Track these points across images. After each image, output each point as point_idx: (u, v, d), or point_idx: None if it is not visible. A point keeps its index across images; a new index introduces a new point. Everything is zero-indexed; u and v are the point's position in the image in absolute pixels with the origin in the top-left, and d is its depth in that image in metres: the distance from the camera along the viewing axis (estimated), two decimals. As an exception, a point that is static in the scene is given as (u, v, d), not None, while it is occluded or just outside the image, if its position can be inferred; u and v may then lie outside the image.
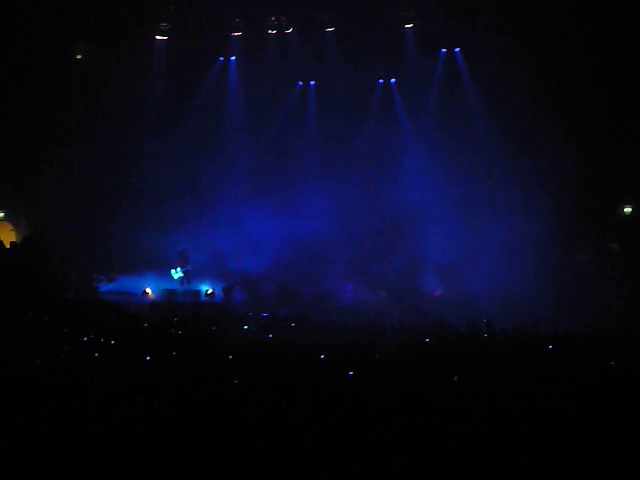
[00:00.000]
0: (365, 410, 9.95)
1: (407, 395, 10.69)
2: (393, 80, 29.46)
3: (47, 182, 27.44)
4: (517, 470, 8.45)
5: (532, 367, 12.96)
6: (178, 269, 27.94)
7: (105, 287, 27.11)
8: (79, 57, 28.39)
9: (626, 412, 9.74)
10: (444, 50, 28.73)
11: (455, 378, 11.68)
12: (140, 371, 12.77)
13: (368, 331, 19.36)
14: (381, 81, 29.52)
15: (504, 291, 24.04)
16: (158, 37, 28.77)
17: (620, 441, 8.87)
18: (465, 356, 14.21)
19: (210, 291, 27.15)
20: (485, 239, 26.46)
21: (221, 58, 29.78)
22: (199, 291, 27.38)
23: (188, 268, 28.01)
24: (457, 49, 28.56)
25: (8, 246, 26.04)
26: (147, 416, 9.73)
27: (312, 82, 29.86)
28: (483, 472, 8.42)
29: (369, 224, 28.18)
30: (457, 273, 26.65)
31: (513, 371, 12.57)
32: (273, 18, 28.62)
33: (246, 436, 9.14)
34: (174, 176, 28.72)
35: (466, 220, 27.07)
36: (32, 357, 13.36)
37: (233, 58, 29.75)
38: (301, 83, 29.93)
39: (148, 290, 26.81)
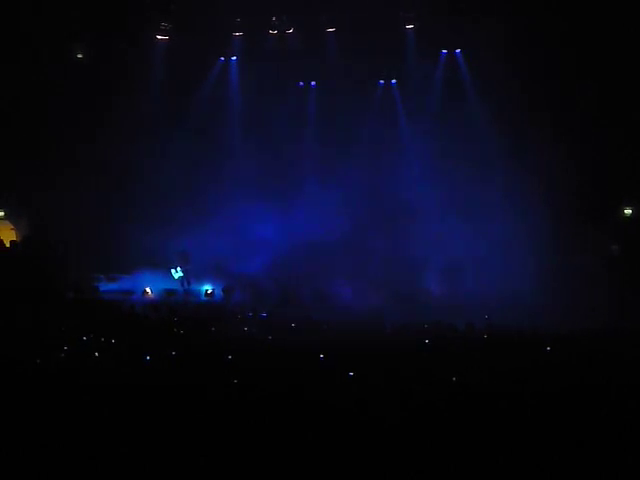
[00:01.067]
0: (364, 410, 9.97)
1: (406, 395, 10.71)
2: (394, 81, 29.47)
3: (47, 182, 27.39)
4: (514, 470, 8.47)
5: (530, 367, 12.98)
6: (178, 268, 27.92)
7: (105, 286, 27.10)
8: (80, 56, 28.34)
9: (624, 412, 9.76)
10: (445, 51, 28.74)
11: (453, 378, 11.71)
12: (140, 370, 12.79)
13: (367, 331, 19.37)
14: (382, 82, 29.52)
15: (503, 292, 24.05)
16: (159, 37, 28.75)
17: (618, 442, 8.89)
18: (464, 356, 14.23)
19: (210, 291, 27.16)
20: (484, 239, 26.45)
21: (222, 58, 29.77)
22: (199, 291, 27.38)
23: (188, 268, 27.98)
24: (458, 50, 28.57)
25: (8, 245, 26.11)
26: (146, 415, 9.75)
27: (313, 82, 29.86)
28: (481, 472, 8.44)
29: (369, 224, 28.15)
30: (457, 273, 26.67)
31: (511, 371, 12.59)
32: (274, 18, 28.59)
33: (245, 436, 9.16)
34: (174, 175, 28.67)
35: (465, 220, 27.06)
36: (32, 356, 13.39)
37: (234, 58, 29.75)
38: (302, 83, 29.93)
39: (148, 289, 26.81)
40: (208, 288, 27.26)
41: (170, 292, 27.02)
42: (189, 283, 27.81)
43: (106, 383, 11.29)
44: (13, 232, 27.92)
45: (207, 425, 9.44)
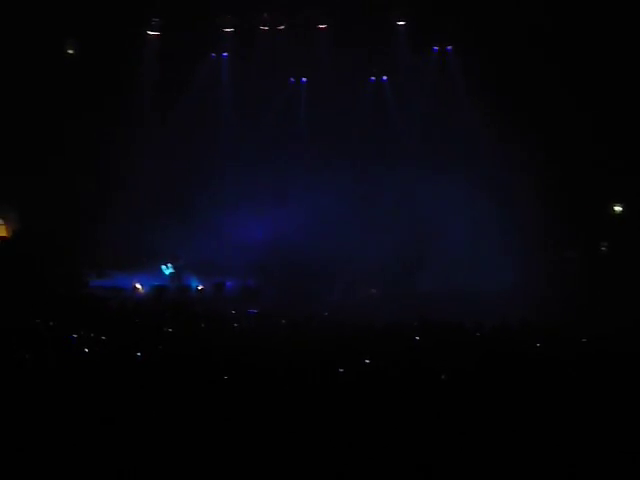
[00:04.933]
0: (354, 408, 10.00)
1: (395, 393, 10.74)
2: (385, 77, 29.49)
3: (38, 176, 27.31)
4: (506, 468, 8.51)
5: (520, 364, 13.01)
6: (169, 265, 27.91)
7: (95, 282, 27.06)
8: (70, 52, 28.24)
9: (611, 410, 9.81)
10: (436, 48, 28.76)
11: (443, 376, 11.73)
12: (130, 367, 12.78)
13: (357, 329, 19.35)
14: (373, 78, 29.52)
15: (493, 289, 24.08)
16: (149, 32, 28.70)
17: (606, 438, 8.94)
18: (454, 354, 14.25)
19: (201, 287, 27.16)
20: (474, 236, 26.49)
21: (213, 54, 29.74)
22: (190, 287, 27.37)
23: (179, 264, 27.98)
24: (449, 47, 28.60)
25: (-2, 240, 26.06)
26: (138, 413, 9.76)
27: (304, 79, 29.86)
28: (472, 471, 8.48)
29: (360, 223, 28.08)
30: (447, 270, 26.66)
31: (501, 368, 12.62)
32: (265, 14, 28.59)
33: (237, 433, 9.18)
34: (163, 172, 28.62)
35: (456, 217, 27.08)
36: (22, 352, 13.37)
37: (225, 54, 29.71)
38: (293, 80, 29.92)
39: (138, 285, 26.79)
40: (199, 285, 27.25)
41: (161, 288, 27.00)
42: (180, 279, 27.80)
43: (96, 380, 11.28)
44: (3, 227, 27.82)
45: (198, 422, 9.45)
